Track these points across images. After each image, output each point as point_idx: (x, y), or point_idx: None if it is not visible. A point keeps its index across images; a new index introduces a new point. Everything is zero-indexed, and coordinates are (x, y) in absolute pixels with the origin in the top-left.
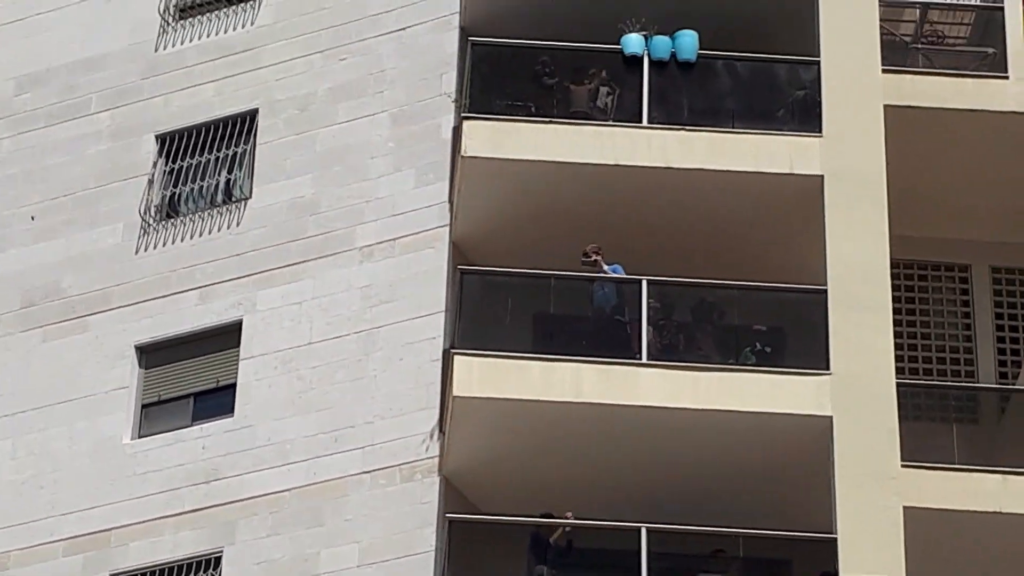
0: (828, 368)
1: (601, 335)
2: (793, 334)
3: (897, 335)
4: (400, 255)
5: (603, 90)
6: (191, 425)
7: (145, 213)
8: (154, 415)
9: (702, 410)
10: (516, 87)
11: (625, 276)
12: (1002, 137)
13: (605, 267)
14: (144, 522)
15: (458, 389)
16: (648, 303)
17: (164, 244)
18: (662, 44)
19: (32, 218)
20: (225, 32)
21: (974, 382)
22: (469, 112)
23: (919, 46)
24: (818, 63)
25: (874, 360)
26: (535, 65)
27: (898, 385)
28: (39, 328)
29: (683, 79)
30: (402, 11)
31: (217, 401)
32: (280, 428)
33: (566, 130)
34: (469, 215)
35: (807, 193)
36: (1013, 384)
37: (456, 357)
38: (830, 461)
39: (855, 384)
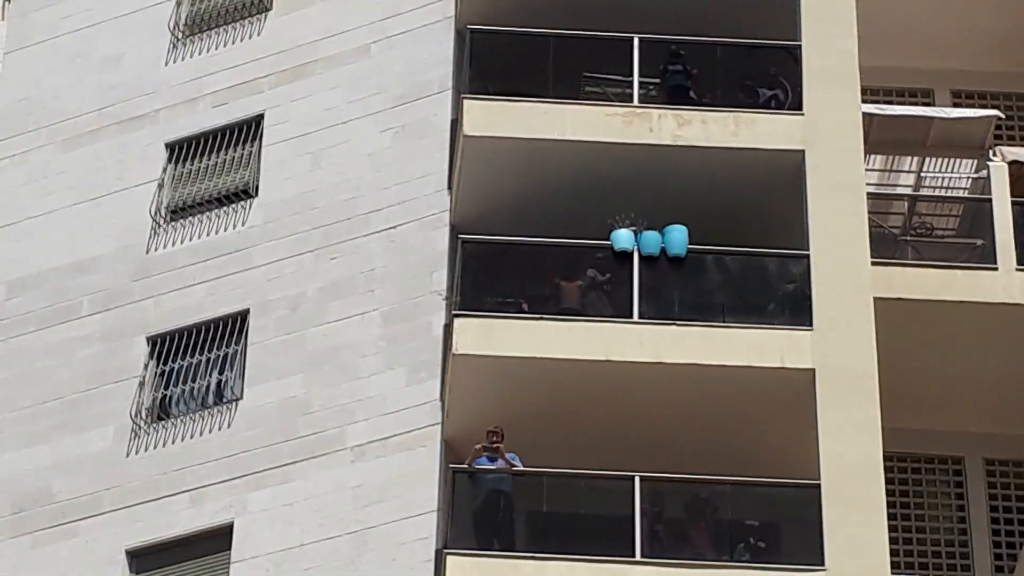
0: (823, 564)
1: (595, 533)
2: (787, 530)
3: (891, 528)
4: (391, 454)
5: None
6: None
7: (136, 415)
8: None
9: None
10: (507, 284)
11: (523, 469)
12: (992, 328)
13: (505, 455)
14: None
15: None
16: (641, 499)
17: (155, 447)
18: (651, 239)
19: None
20: (216, 233)
21: None
22: (460, 309)
23: (908, 238)
24: (807, 256)
25: (869, 556)
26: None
27: None
28: (29, 534)
29: (673, 274)
30: (392, 210)
31: None
32: None
33: (556, 326)
34: (461, 413)
35: (798, 387)
36: None
37: (449, 557)
38: None
39: None
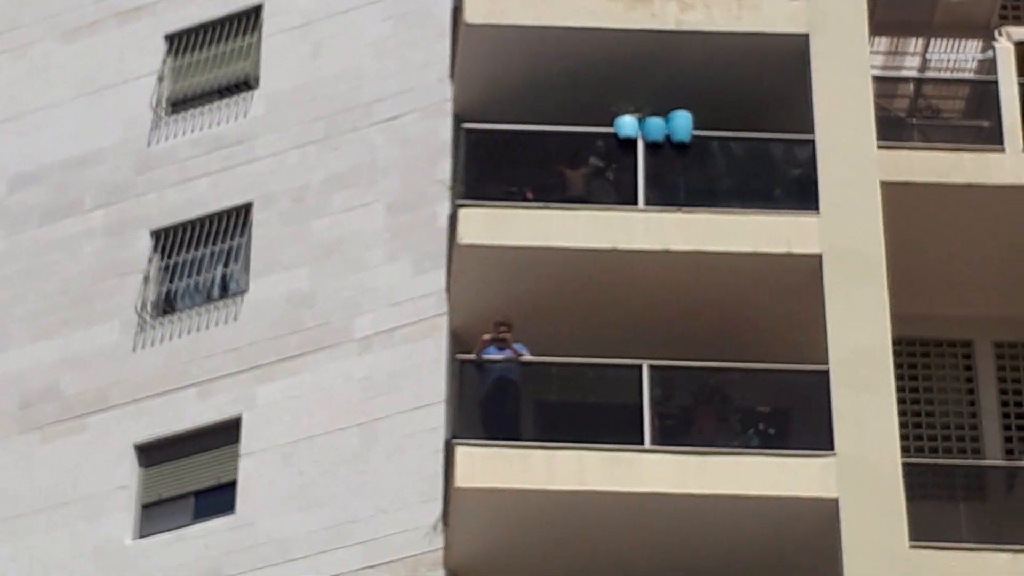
0: (833, 449)
1: (603, 421)
2: (797, 415)
3: (901, 413)
4: (399, 345)
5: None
6: (192, 524)
7: (142, 310)
8: (155, 514)
9: (708, 495)
10: (511, 173)
11: (530, 358)
12: (1000, 210)
13: (513, 345)
14: None
15: (461, 480)
16: (650, 387)
17: (161, 341)
18: (656, 126)
19: None
20: (218, 125)
21: (980, 459)
22: (464, 199)
23: (914, 121)
24: (813, 141)
25: (879, 440)
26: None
27: (904, 464)
28: (38, 429)
29: (678, 160)
30: (394, 99)
31: (218, 499)
32: (282, 524)
33: (562, 215)
34: (467, 303)
35: (806, 272)
36: (1020, 460)
37: (458, 448)
38: (837, 543)
39: (861, 465)
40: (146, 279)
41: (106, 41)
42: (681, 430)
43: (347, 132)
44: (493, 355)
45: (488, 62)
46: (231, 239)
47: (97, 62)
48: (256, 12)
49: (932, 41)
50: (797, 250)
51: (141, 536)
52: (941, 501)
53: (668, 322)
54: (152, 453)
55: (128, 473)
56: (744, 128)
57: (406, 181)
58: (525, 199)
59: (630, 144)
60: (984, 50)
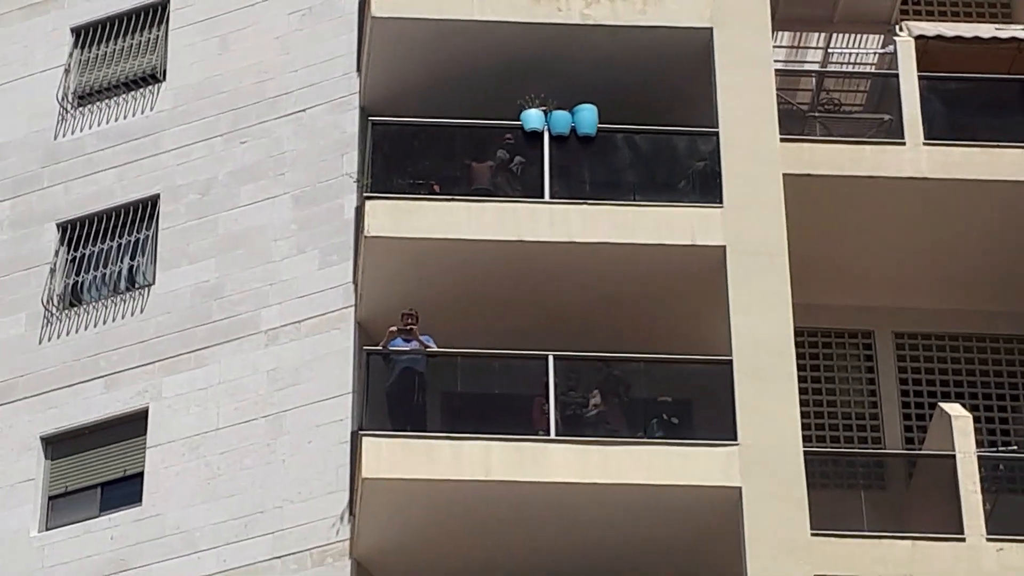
0: (736, 439)
1: (509, 412)
2: (700, 405)
3: (803, 403)
4: (305, 337)
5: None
6: (99, 516)
7: (48, 302)
8: (61, 507)
9: (612, 484)
10: (417, 166)
11: (437, 350)
12: (900, 203)
13: (420, 337)
14: None
15: (367, 471)
16: (555, 378)
17: (68, 333)
18: (561, 119)
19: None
20: (124, 118)
21: (881, 448)
22: (371, 192)
23: (816, 114)
24: (716, 134)
25: (781, 429)
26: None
27: (805, 453)
28: None
29: (583, 153)
30: (301, 93)
31: (125, 490)
32: (189, 516)
33: (468, 207)
34: (374, 295)
35: (710, 264)
36: (919, 449)
37: (364, 439)
38: (740, 532)
39: (763, 454)
40: (52, 271)
41: (12, 34)
42: (586, 420)
43: (254, 125)
44: (400, 346)
45: (395, 56)
46: (138, 232)
47: (3, 55)
48: (163, 6)
49: (834, 36)
50: (701, 242)
51: (47, 528)
52: (842, 490)
53: (573, 313)
54: (58, 445)
55: (34, 465)
56: (648, 121)
57: (313, 174)
58: (432, 192)
59: (536, 137)
60: (885, 45)
